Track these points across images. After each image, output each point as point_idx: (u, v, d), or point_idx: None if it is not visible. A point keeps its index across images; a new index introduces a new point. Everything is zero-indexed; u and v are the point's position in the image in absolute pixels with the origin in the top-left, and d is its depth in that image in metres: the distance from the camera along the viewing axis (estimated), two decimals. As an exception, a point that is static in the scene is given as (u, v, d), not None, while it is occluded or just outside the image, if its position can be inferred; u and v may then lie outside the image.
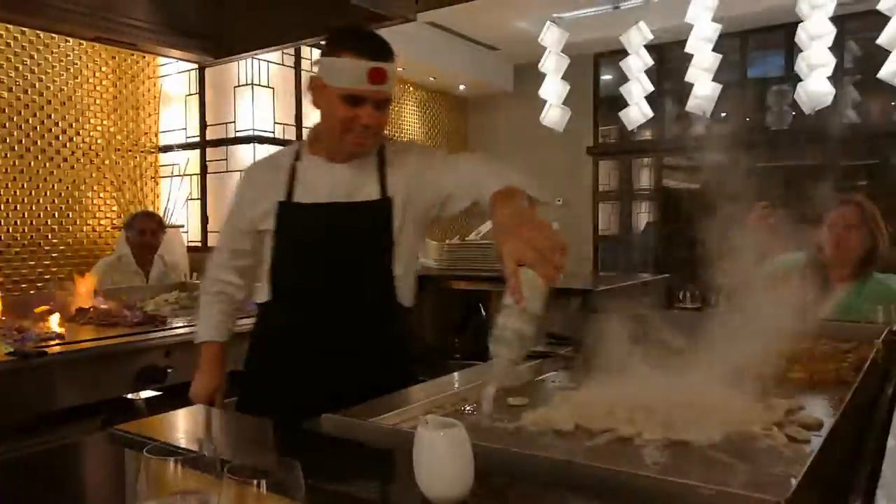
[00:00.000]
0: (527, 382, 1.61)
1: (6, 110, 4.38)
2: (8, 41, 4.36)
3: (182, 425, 1.08)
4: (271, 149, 4.96)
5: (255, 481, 0.67)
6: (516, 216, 1.26)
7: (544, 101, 6.14)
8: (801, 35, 4.61)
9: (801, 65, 4.65)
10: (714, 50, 5.18)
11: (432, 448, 0.73)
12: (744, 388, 1.24)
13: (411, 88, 8.14)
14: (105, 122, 4.90)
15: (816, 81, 4.56)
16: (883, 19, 4.26)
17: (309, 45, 5.11)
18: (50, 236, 4.60)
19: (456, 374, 1.60)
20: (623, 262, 8.20)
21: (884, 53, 4.28)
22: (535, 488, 0.83)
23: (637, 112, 5.85)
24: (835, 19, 4.55)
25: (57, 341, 2.21)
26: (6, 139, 4.38)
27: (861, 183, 6.81)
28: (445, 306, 3.04)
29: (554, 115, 6.11)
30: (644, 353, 1.45)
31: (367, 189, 1.67)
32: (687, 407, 1.18)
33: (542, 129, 6.25)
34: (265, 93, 4.94)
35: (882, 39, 4.27)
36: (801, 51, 4.67)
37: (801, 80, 4.65)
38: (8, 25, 4.28)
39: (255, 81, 4.88)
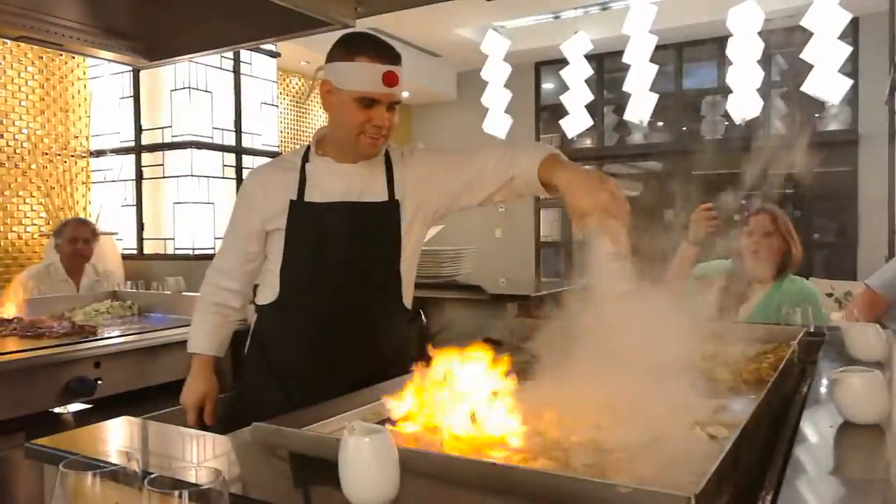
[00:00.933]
0: (463, 388, 1.62)
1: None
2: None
3: (103, 438, 1.05)
4: (210, 154, 4.87)
5: (176, 492, 0.67)
6: (587, 177, 1.47)
7: (487, 109, 6.21)
8: (732, 49, 4.81)
9: (731, 77, 4.85)
10: (651, 61, 5.34)
11: (357, 453, 0.74)
12: (669, 390, 1.28)
13: (354, 94, 8.11)
14: (31, 125, 4.72)
15: (746, 93, 4.76)
16: (807, 34, 4.48)
17: (248, 49, 5.06)
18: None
19: (392, 380, 1.60)
20: (565, 269, 8.34)
21: (808, 67, 4.49)
22: (461, 492, 0.84)
23: (577, 120, 5.98)
24: (763, 34, 4.77)
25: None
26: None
27: (788, 191, 7.12)
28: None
29: (496, 122, 6.19)
30: (572, 357, 1.49)
31: (376, 190, 1.72)
32: (614, 409, 1.22)
33: (485, 136, 6.32)
34: (204, 97, 4.84)
35: (805, 54, 4.48)
36: (731, 64, 4.87)
37: (731, 91, 4.85)
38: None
39: (193, 85, 4.77)
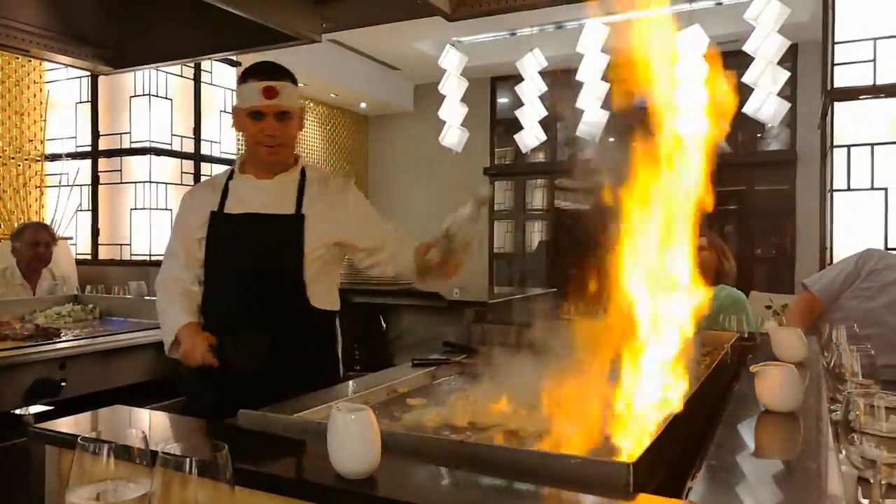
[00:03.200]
0: (424, 386, 1.73)
1: None
2: None
3: (101, 423, 1.13)
4: (168, 161, 4.88)
5: (186, 463, 0.76)
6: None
7: (443, 122, 6.35)
8: (679, 70, 5.05)
9: (679, 97, 5.09)
10: (602, 79, 5.56)
11: (345, 428, 0.84)
12: (611, 385, 1.42)
13: (312, 104, 8.17)
14: (-14, 128, 4.66)
15: (692, 113, 5.00)
16: (748, 59, 4.75)
17: (213, 60, 5.09)
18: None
19: (352, 382, 1.70)
20: (517, 278, 8.52)
21: (749, 90, 4.75)
22: (433, 466, 0.95)
23: (531, 135, 6.16)
24: (707, 57, 5.02)
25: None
26: None
27: (731, 207, 7.45)
28: (346, 319, 3.11)
29: (452, 135, 6.33)
30: (529, 358, 1.62)
31: (287, 204, 1.93)
32: (563, 403, 1.34)
33: (441, 149, 6.46)
34: (163, 104, 4.85)
35: (747, 77, 4.75)
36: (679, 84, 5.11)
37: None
38: None
39: (153, 92, 4.78)
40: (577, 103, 5.71)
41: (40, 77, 5.03)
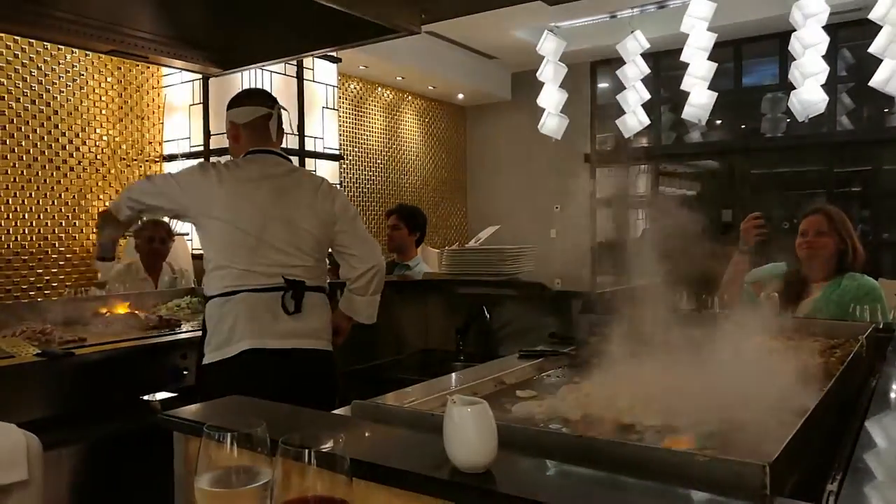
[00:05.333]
0: (532, 378, 1.69)
1: (14, 121, 4.47)
2: (15, 52, 4.46)
3: (224, 412, 1.17)
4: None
5: (305, 454, 0.76)
6: None
7: (542, 110, 6.25)
8: (795, 44, 4.72)
9: (794, 73, 4.76)
10: (709, 58, 5.29)
11: (462, 420, 0.83)
12: (737, 380, 1.33)
13: (410, 97, 8.25)
14: (111, 132, 5.00)
15: (810, 90, 4.66)
16: (875, 28, 4.38)
17: (315, 57, 5.23)
18: (57, 244, 4.68)
19: (457, 373, 1.69)
20: (620, 268, 8.29)
21: (876, 61, 4.39)
22: (550, 460, 0.92)
23: (633, 120, 5.96)
24: (828, 28, 4.67)
25: (79, 343, 2.29)
26: (14, 149, 4.47)
27: (855, 188, 6.93)
28: (449, 310, 3.12)
29: (551, 123, 6.21)
30: (642, 350, 1.55)
31: None
32: (683, 397, 1.27)
33: (540, 137, 6.36)
34: (269, 102, 5.03)
35: (874, 48, 4.38)
36: (794, 59, 4.78)
37: (794, 88, 4.76)
38: (15, 38, 4.38)
39: (260, 91, 4.96)
40: (682, 85, 5.47)
41: (158, 82, 5.33)
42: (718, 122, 7.61)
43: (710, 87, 5.33)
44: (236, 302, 2.10)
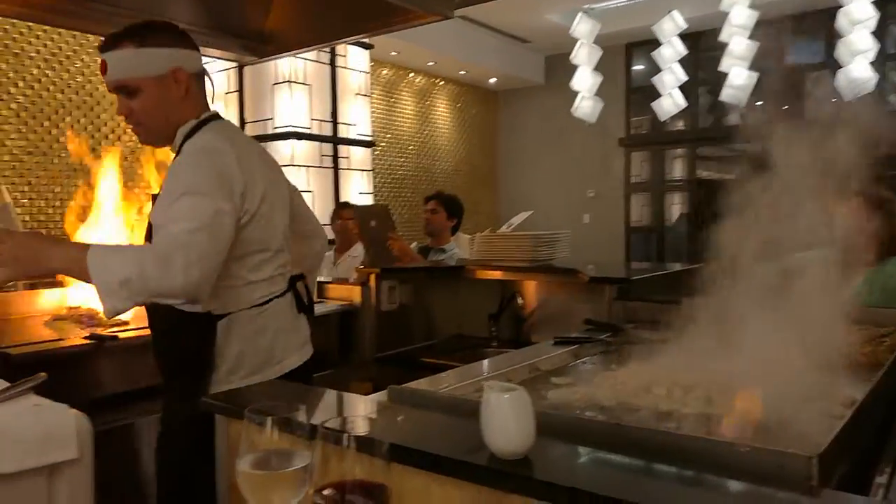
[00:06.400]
0: (567, 365, 1.68)
1: (59, 112, 4.58)
2: (45, 42, 4.56)
3: (264, 395, 1.19)
4: (308, 144, 5.09)
5: (344, 438, 0.77)
6: None
7: (576, 93, 6.18)
8: (842, 21, 4.57)
9: (841, 51, 4.61)
10: (750, 37, 5.16)
11: (499, 407, 0.83)
12: (780, 369, 1.30)
13: (442, 83, 8.22)
14: (150, 121, 5.08)
15: (858, 67, 4.51)
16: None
17: (348, 44, 5.25)
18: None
19: (489, 360, 1.69)
20: (655, 253, 8.19)
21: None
22: (587, 448, 0.91)
23: (670, 102, 5.86)
24: (877, 3, 4.51)
25: (123, 327, 2.34)
26: (59, 140, 4.59)
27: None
28: (482, 296, 3.11)
29: (586, 106, 6.14)
30: (678, 337, 1.52)
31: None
32: (724, 385, 1.25)
33: (574, 121, 6.30)
34: (302, 90, 5.06)
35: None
36: (841, 37, 4.62)
37: (841, 66, 4.61)
38: (59, 31, 4.47)
39: (293, 79, 5.00)
40: (720, 66, 5.35)
41: (194, 71, 5.40)
42: (759, 103, 7.43)
43: (751, 68, 5.21)
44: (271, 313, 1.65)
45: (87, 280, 1.32)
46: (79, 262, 1.33)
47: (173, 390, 1.59)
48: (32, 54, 4.51)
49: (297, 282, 1.73)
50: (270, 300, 1.62)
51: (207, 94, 1.72)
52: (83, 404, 1.15)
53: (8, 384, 1.23)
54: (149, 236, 1.53)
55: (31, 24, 4.36)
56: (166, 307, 1.44)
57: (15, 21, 4.29)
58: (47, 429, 1.07)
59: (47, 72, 4.55)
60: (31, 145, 4.50)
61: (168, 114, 1.59)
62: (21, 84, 4.46)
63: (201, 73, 1.68)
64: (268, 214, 1.59)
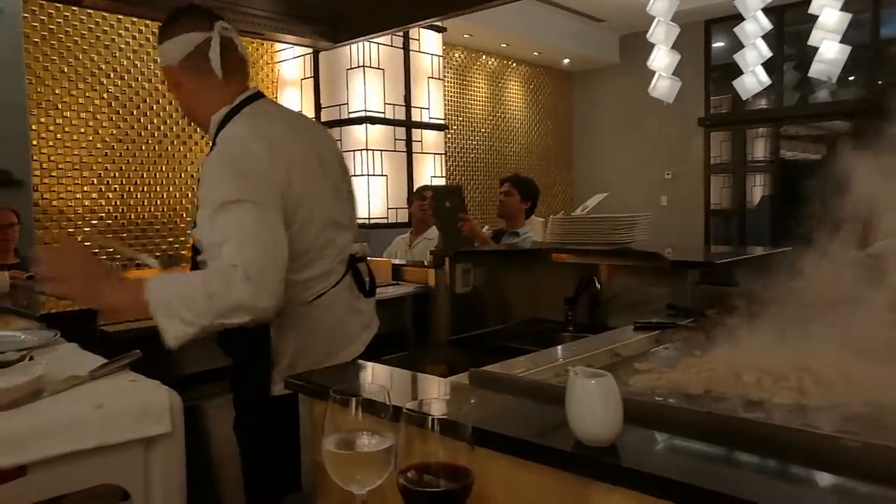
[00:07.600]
0: (648, 351, 1.64)
1: (147, 100, 4.79)
2: (133, 34, 4.74)
3: (348, 376, 1.22)
4: (382, 128, 5.14)
5: (428, 421, 0.77)
6: None
7: (653, 73, 5.98)
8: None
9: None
10: (842, 9, 4.87)
11: (586, 393, 0.81)
12: (875, 359, 1.23)
13: (514, 64, 8.13)
14: (229, 108, 5.24)
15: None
16: None
17: (421, 27, 5.25)
18: (185, 214, 5.00)
19: (564, 346, 1.66)
20: (736, 237, 7.91)
21: None
22: (675, 436, 0.89)
23: (753, 80, 5.60)
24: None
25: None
26: (147, 126, 4.79)
27: None
28: (557, 279, 3.07)
29: (663, 86, 5.94)
30: (766, 324, 1.46)
31: None
32: (816, 374, 1.19)
33: (651, 101, 6.10)
34: (376, 74, 5.10)
35: None
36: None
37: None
38: (134, 20, 4.65)
39: (367, 63, 5.04)
40: (810, 40, 5.07)
41: (272, 58, 5.52)
42: (851, 78, 7.03)
43: (843, 41, 4.92)
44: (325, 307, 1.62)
45: (146, 311, 1.33)
46: (136, 293, 1.33)
47: (243, 378, 1.61)
48: (122, 46, 4.71)
49: (357, 263, 1.67)
50: (322, 294, 1.57)
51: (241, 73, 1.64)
52: (171, 381, 1.20)
53: (106, 360, 1.30)
54: (195, 252, 1.50)
55: (119, 16, 4.55)
56: None
57: (105, 14, 4.49)
58: (143, 403, 1.12)
59: (136, 62, 4.75)
60: (121, 133, 4.72)
61: (193, 104, 1.59)
62: (112, 75, 4.67)
63: (231, 55, 1.59)
64: (306, 217, 1.52)
